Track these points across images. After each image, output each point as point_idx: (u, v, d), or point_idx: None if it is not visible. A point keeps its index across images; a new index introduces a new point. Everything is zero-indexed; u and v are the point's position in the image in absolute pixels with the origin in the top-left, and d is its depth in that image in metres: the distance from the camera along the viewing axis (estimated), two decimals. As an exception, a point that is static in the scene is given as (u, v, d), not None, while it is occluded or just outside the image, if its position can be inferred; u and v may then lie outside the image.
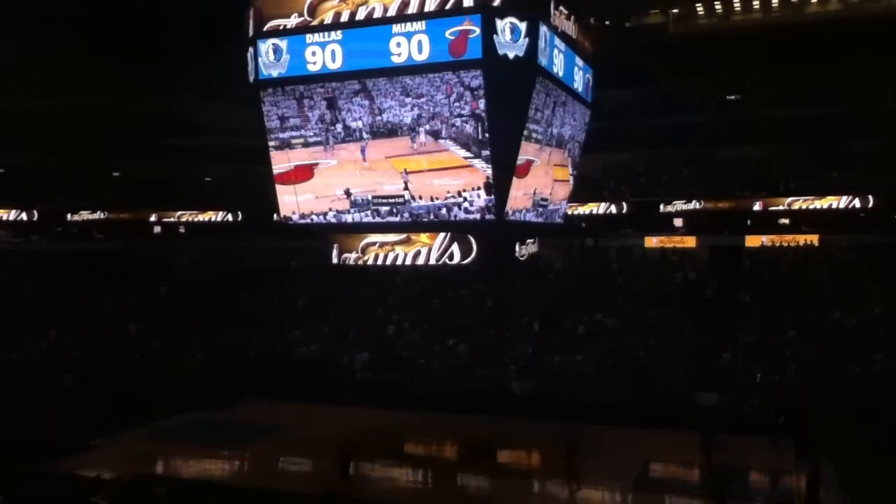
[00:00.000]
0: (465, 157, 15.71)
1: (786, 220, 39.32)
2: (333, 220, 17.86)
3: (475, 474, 23.58)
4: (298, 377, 32.07)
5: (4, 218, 42.11)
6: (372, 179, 16.91)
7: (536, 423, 26.70)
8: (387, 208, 17.04)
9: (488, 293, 37.37)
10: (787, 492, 20.32)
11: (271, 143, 17.67)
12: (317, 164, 17.39)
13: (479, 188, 15.85)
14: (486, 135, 15.33)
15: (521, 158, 16.28)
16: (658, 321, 33.01)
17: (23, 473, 19.18)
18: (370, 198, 17.14)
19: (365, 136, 16.52)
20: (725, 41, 43.42)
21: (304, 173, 17.67)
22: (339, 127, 16.72)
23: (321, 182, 17.54)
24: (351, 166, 16.98)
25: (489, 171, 15.60)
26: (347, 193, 17.36)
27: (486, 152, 15.50)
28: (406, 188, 16.63)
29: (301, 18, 16.37)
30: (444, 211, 16.43)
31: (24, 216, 42.44)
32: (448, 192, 16.21)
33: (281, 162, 17.81)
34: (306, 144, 17.27)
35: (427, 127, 15.82)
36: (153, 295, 40.25)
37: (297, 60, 16.52)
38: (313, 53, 16.34)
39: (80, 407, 26.71)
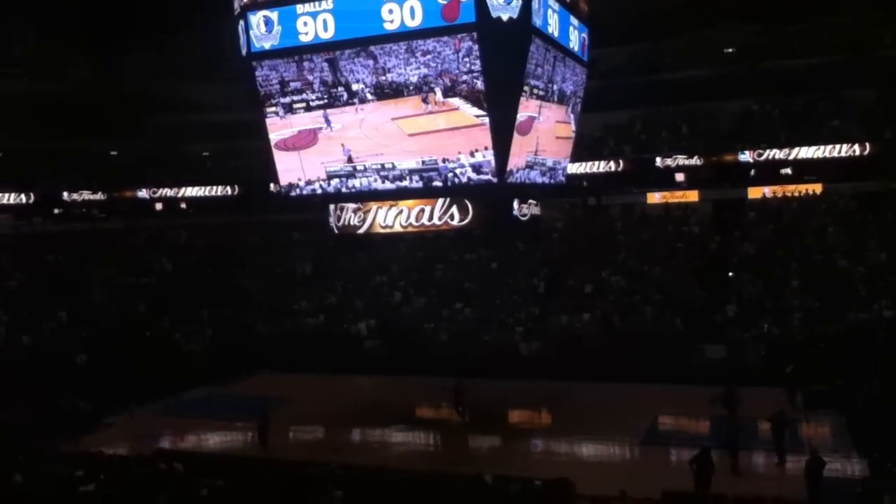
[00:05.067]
0: (477, 116, 15.47)
1: (788, 171, 38.99)
2: (340, 187, 17.73)
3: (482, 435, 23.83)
4: (306, 348, 32.25)
5: (4, 201, 41.81)
6: (377, 142, 16.73)
7: (545, 384, 27.01)
8: (395, 173, 16.90)
9: (493, 257, 37.30)
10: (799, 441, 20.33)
11: (271, 110, 17.45)
12: (320, 128, 17.22)
13: (488, 148, 15.68)
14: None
15: (523, 115, 16.13)
16: (662, 277, 33.01)
17: (39, 453, 19.27)
18: (376, 164, 16.98)
19: (369, 97, 16.30)
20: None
21: (307, 138, 17.51)
22: (341, 89, 16.52)
23: (324, 147, 17.39)
24: (356, 130, 16.81)
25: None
26: (350, 159, 17.22)
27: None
28: (414, 151, 16.44)
29: None
30: (450, 174, 16.28)
31: (22, 198, 42.14)
32: (459, 153, 16.03)
33: (282, 128, 17.61)
34: (308, 108, 17.04)
35: (439, 84, 15.54)
36: (158, 272, 40.28)
37: (289, 31, 16.31)
38: (305, 24, 16.09)
39: (93, 386, 26.85)
